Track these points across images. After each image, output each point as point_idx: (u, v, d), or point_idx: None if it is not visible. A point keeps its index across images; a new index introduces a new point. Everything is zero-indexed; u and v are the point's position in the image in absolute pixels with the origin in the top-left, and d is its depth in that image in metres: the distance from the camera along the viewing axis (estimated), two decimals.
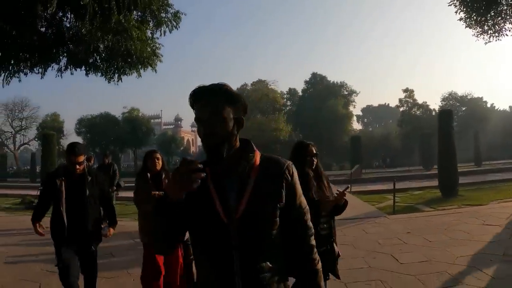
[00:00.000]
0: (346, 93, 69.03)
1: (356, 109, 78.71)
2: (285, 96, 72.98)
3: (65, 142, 62.42)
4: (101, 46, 8.49)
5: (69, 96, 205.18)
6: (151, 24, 9.14)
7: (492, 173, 29.01)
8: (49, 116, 64.66)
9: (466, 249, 7.32)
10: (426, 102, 65.02)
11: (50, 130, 61.90)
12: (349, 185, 4.63)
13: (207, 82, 1.89)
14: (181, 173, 1.63)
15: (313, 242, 2.04)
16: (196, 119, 1.85)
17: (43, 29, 8.66)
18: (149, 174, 5.12)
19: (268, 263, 1.85)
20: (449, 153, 15.58)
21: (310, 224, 2.05)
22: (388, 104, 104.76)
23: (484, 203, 12.75)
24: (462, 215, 10.65)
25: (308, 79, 71.59)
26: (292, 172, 1.94)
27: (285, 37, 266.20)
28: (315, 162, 3.94)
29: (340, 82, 69.67)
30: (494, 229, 8.84)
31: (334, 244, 3.89)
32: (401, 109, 64.78)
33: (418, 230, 9.10)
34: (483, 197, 14.22)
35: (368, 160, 53.22)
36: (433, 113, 61.38)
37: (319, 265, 2.03)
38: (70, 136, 62.81)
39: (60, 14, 8.25)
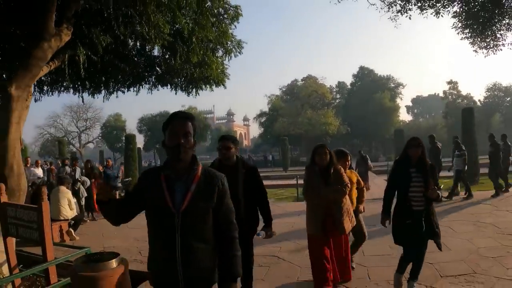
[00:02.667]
0: (393, 85, 69.06)
1: (404, 101, 77.47)
2: (334, 90, 73.80)
3: None
4: (188, 73, 10.01)
5: (131, 97, 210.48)
6: (220, 52, 10.31)
7: None
8: (112, 116, 68.23)
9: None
10: (470, 94, 64.93)
11: (113, 129, 65.41)
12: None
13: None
14: (98, 190, 2.66)
15: (234, 234, 2.66)
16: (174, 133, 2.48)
17: (135, 58, 9.85)
18: (317, 168, 5.10)
19: (202, 244, 2.50)
20: (471, 147, 17.37)
21: (233, 220, 2.68)
22: (438, 94, 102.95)
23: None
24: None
25: (356, 73, 72.11)
26: (224, 182, 2.62)
27: (335, 32, 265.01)
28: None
29: (387, 75, 69.70)
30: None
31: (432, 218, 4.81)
32: (446, 101, 64.83)
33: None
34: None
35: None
36: (478, 104, 61.77)
37: (237, 251, 2.63)
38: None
39: (149, 47, 9.46)
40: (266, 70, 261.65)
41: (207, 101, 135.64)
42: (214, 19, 8.51)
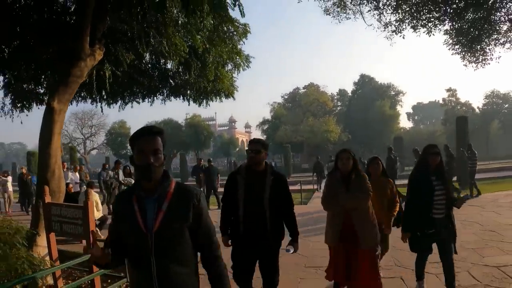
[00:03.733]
0: (393, 93, 69.59)
1: (404, 108, 77.92)
2: (335, 97, 74.49)
3: None
4: (201, 87, 10.72)
5: (135, 104, 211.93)
6: (230, 66, 11.00)
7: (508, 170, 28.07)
8: (116, 123, 68.56)
9: None
10: (468, 101, 66.26)
11: (118, 136, 65.48)
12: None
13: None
14: (90, 257, 2.42)
15: (216, 253, 2.54)
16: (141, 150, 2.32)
17: (151, 71, 10.51)
18: (339, 174, 4.74)
19: (179, 267, 2.37)
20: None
21: (214, 239, 2.55)
22: (438, 101, 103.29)
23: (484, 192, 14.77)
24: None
25: (356, 81, 72.68)
26: (200, 199, 2.45)
27: (336, 40, 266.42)
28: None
29: (387, 83, 70.30)
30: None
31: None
32: (445, 108, 65.36)
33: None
34: (490, 188, 16.49)
35: (412, 157, 53.52)
36: (477, 111, 62.41)
37: (222, 271, 2.52)
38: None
39: (163, 61, 10.13)
40: (267, 77, 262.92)
41: (208, 108, 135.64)
42: (225, 35, 9.20)
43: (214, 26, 8.47)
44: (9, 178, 17.77)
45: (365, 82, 71.51)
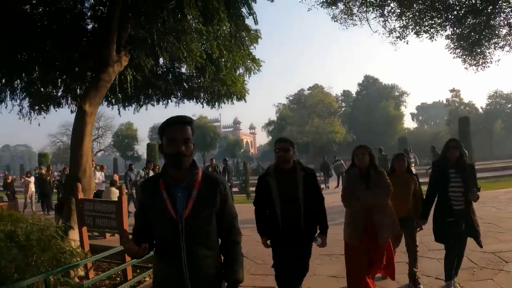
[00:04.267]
0: (397, 94, 70.12)
1: (408, 109, 77.99)
2: (340, 98, 74.89)
3: (138, 148, 66.17)
4: (215, 90, 11.12)
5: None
6: (241, 70, 11.20)
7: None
8: (123, 125, 68.64)
9: None
10: (472, 101, 66.42)
11: (124, 138, 65.89)
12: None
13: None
14: (125, 250, 2.44)
15: (237, 238, 2.65)
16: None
17: (165, 75, 10.90)
18: (357, 171, 4.63)
19: (207, 250, 2.50)
20: (468, 153, 18.42)
21: (236, 224, 2.67)
22: (442, 101, 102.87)
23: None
24: None
25: (361, 82, 73.33)
26: (226, 186, 2.59)
27: (341, 41, 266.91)
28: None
29: (392, 84, 70.90)
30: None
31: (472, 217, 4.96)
32: (449, 108, 65.96)
33: None
34: (492, 186, 16.70)
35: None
36: (480, 111, 62.74)
37: (240, 256, 2.64)
38: (143, 142, 65.65)
39: (176, 64, 10.53)
40: (271, 78, 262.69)
41: (213, 110, 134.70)
42: (240, 42, 9.62)
43: (231, 34, 8.94)
44: (32, 179, 18.19)
45: (369, 83, 72.18)
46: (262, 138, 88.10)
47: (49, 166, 23.14)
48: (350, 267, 4.74)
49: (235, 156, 75.77)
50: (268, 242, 4.39)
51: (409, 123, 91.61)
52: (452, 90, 67.16)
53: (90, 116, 7.40)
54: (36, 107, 10.53)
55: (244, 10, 7.81)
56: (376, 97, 66.81)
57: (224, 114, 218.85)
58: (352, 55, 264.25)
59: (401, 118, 68.28)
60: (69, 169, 7.93)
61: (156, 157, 28.38)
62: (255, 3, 8.12)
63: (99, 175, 15.32)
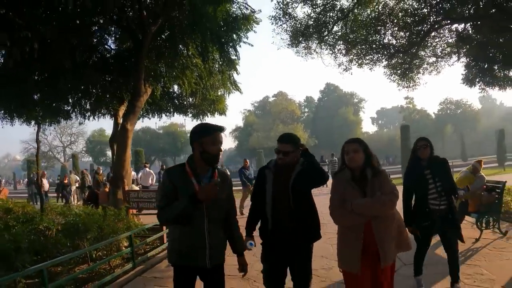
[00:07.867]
0: (356, 100, 73.35)
1: (366, 114, 79.45)
2: (303, 104, 77.78)
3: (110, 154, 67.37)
4: (203, 107, 13.98)
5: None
6: (222, 91, 13.45)
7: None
8: (96, 131, 69.38)
9: None
10: (423, 107, 70.46)
11: (97, 144, 66.43)
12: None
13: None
14: (210, 188, 2.84)
15: (236, 219, 3.37)
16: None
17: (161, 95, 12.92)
18: (349, 174, 3.52)
19: (220, 229, 3.14)
20: (407, 158, 21.69)
21: (235, 207, 3.45)
22: (400, 106, 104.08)
23: None
24: None
25: (322, 89, 76.12)
26: (230, 180, 3.28)
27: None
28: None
29: (351, 92, 73.90)
30: None
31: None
32: (403, 114, 69.71)
33: None
34: None
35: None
36: (432, 116, 66.59)
37: (239, 233, 3.41)
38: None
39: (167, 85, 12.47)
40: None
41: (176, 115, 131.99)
42: (224, 69, 12.13)
43: (222, 70, 11.86)
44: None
45: (330, 90, 75.05)
46: (228, 144, 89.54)
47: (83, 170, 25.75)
48: None
49: None
50: (250, 242, 3.73)
51: (369, 127, 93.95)
52: (406, 98, 70.29)
53: (130, 131, 10.09)
54: (47, 120, 13.61)
55: (232, 51, 10.81)
56: (337, 104, 69.52)
57: (189, 119, 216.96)
58: (316, 63, 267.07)
59: (360, 123, 71.27)
60: (113, 171, 10.46)
61: (142, 162, 29.57)
62: (240, 47, 10.87)
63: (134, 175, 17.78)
